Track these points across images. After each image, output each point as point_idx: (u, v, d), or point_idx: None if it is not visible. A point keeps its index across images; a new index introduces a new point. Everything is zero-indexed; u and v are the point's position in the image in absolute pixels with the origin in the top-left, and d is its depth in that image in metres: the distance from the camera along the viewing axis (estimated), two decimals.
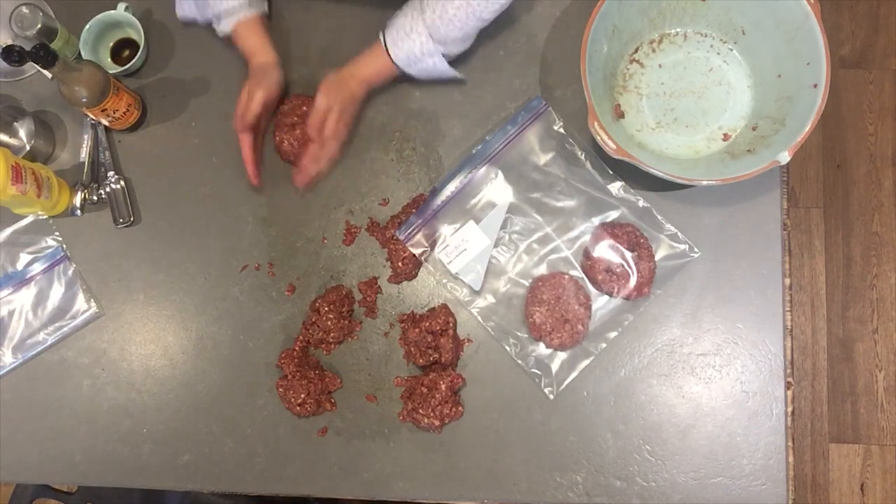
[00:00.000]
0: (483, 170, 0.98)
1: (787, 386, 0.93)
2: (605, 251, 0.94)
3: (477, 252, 0.95)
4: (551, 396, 0.94)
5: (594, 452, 0.93)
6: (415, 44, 0.91)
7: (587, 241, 0.96)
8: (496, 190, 0.98)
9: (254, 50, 0.99)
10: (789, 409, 0.92)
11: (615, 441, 0.93)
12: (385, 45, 0.93)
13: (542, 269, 0.96)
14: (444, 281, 0.98)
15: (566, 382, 0.94)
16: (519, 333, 0.95)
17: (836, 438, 1.75)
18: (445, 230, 0.97)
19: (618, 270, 0.93)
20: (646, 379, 0.94)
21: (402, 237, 0.97)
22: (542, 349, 0.95)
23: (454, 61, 0.97)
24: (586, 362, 0.94)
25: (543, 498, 0.93)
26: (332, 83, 0.94)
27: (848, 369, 1.77)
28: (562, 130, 0.99)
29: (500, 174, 0.98)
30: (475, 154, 0.99)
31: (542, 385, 0.94)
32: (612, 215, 0.97)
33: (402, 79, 0.99)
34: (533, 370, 0.94)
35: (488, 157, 0.98)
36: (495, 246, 0.97)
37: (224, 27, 0.99)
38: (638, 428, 0.93)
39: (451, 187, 0.98)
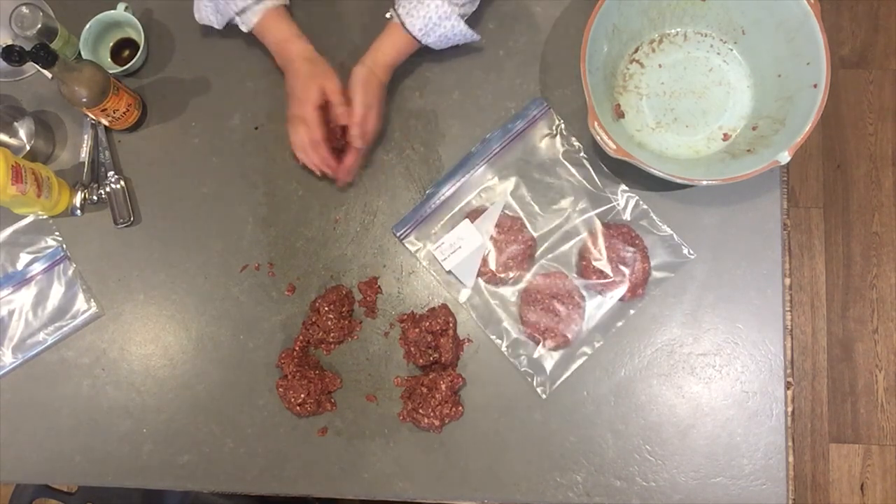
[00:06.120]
0: (481, 170, 0.98)
1: (787, 386, 0.93)
2: (600, 252, 0.94)
3: (471, 250, 0.96)
4: (543, 396, 0.94)
5: (594, 452, 0.93)
6: (430, 9, 0.91)
7: (582, 241, 0.96)
8: (493, 190, 0.98)
9: (286, 37, 0.96)
10: (789, 409, 0.92)
11: (615, 441, 0.93)
12: (399, 19, 0.93)
13: (537, 270, 0.96)
14: (438, 277, 0.98)
15: (559, 382, 0.94)
16: (513, 333, 0.95)
17: (836, 438, 1.75)
18: (441, 228, 0.98)
19: (612, 271, 0.93)
20: (646, 379, 0.94)
21: (398, 234, 0.98)
22: (536, 349, 0.95)
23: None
24: (580, 362, 0.94)
25: (543, 498, 0.93)
26: (365, 81, 0.93)
27: (848, 369, 1.77)
28: (563, 131, 0.99)
29: (498, 174, 0.99)
30: (474, 153, 0.99)
31: (535, 384, 0.94)
32: (609, 216, 0.97)
33: (403, 71, 1.00)
34: (525, 370, 0.94)
35: (487, 157, 0.99)
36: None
37: (249, 19, 0.96)
38: (638, 428, 0.93)
39: (449, 186, 0.98)
